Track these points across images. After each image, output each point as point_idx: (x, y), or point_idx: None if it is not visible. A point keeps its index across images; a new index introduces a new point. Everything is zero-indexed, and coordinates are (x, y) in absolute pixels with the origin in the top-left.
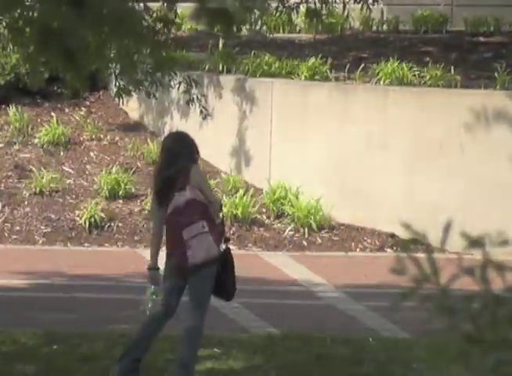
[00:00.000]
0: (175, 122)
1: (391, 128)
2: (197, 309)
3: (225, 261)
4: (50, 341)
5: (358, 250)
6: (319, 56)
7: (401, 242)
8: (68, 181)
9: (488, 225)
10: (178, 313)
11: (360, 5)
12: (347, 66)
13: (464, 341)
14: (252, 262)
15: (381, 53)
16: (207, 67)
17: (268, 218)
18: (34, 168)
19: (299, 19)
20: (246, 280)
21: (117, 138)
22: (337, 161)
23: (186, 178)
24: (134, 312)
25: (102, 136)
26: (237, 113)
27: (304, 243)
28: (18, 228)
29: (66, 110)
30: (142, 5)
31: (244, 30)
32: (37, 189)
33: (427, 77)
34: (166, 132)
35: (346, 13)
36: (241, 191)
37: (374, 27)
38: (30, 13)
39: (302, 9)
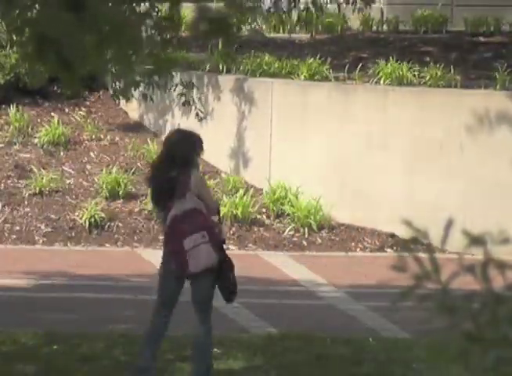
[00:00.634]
0: (176, 122)
1: (391, 128)
2: (200, 313)
3: (222, 261)
4: (50, 341)
5: (358, 250)
6: (319, 56)
7: (401, 241)
8: (68, 181)
9: (488, 225)
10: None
11: (353, 7)
12: (347, 66)
13: (464, 340)
14: (252, 262)
15: (381, 53)
16: (207, 67)
17: (268, 218)
18: (34, 168)
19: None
20: (246, 280)
21: (117, 138)
22: (337, 161)
23: (187, 183)
24: (134, 312)
25: (102, 136)
26: (237, 113)
27: (304, 243)
28: (18, 228)
29: (66, 110)
30: (147, 4)
31: (244, 30)
32: (37, 189)
33: (427, 77)
34: (166, 132)
35: (342, 14)
36: (241, 191)
37: (374, 27)
38: (29, 13)
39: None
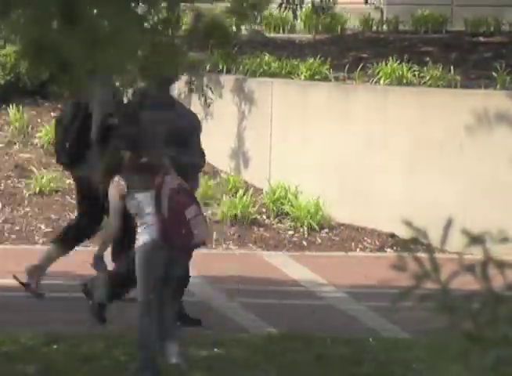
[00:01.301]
0: None
1: (391, 128)
2: (178, 290)
3: None
4: (50, 341)
5: (358, 250)
6: (319, 56)
7: (401, 241)
8: (68, 181)
9: (488, 225)
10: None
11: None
12: (347, 66)
13: (464, 340)
14: (252, 262)
15: (381, 53)
16: (208, 68)
17: (268, 218)
18: (34, 168)
19: (298, 20)
20: (246, 280)
21: None
22: (337, 161)
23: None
24: (134, 312)
25: None
26: (237, 113)
27: (304, 243)
28: (18, 228)
29: None
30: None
31: (244, 30)
32: (37, 189)
33: (427, 77)
34: None
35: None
36: (241, 191)
37: (374, 27)
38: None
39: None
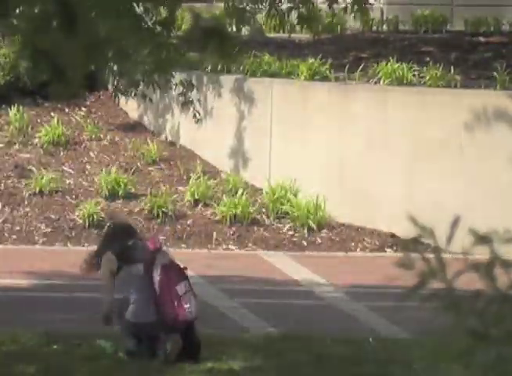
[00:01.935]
0: (175, 121)
1: (391, 128)
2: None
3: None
4: (50, 341)
5: (358, 250)
6: (319, 55)
7: (402, 240)
8: (68, 181)
9: (488, 225)
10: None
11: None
12: (347, 66)
13: (469, 338)
14: (252, 262)
15: (381, 53)
16: (209, 68)
17: (268, 218)
18: (34, 168)
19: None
20: (246, 280)
21: (117, 138)
22: (337, 161)
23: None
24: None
25: (102, 136)
26: (237, 113)
27: (304, 243)
28: (18, 228)
29: (66, 110)
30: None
31: (244, 30)
32: (37, 189)
33: (427, 77)
34: (166, 132)
35: (343, 13)
36: (241, 191)
37: (374, 27)
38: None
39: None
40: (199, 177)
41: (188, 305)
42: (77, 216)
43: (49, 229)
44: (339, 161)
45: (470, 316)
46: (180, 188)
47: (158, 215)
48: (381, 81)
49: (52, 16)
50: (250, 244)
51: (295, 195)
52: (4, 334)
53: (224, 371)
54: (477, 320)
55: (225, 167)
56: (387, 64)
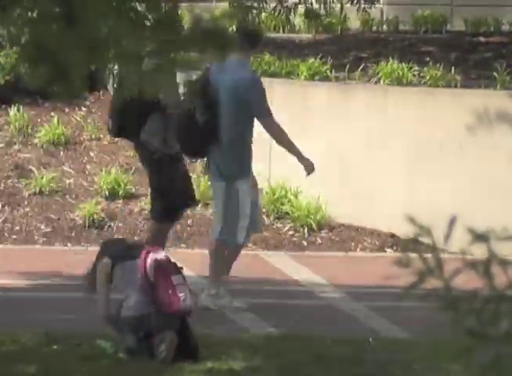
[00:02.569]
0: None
1: (391, 128)
2: None
3: None
4: (50, 341)
5: (358, 250)
6: (319, 55)
7: (401, 241)
8: (68, 181)
9: (488, 225)
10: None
11: (356, 7)
12: (348, 66)
13: (467, 337)
14: (252, 262)
15: (381, 53)
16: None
17: (268, 218)
18: (34, 168)
19: (298, 20)
20: (246, 280)
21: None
22: (337, 161)
23: None
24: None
25: (102, 136)
26: None
27: (304, 243)
28: (18, 228)
29: (66, 110)
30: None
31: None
32: (37, 189)
33: (427, 77)
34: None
35: (344, 14)
36: None
37: (374, 27)
38: (30, 13)
39: (301, 9)
40: (199, 177)
41: (182, 294)
42: (77, 216)
43: (49, 229)
44: (339, 161)
45: (468, 316)
46: None
47: None
48: (381, 81)
49: (52, 16)
50: (250, 244)
51: (295, 195)
52: (4, 334)
53: (224, 371)
54: (475, 319)
55: None
56: (387, 64)
